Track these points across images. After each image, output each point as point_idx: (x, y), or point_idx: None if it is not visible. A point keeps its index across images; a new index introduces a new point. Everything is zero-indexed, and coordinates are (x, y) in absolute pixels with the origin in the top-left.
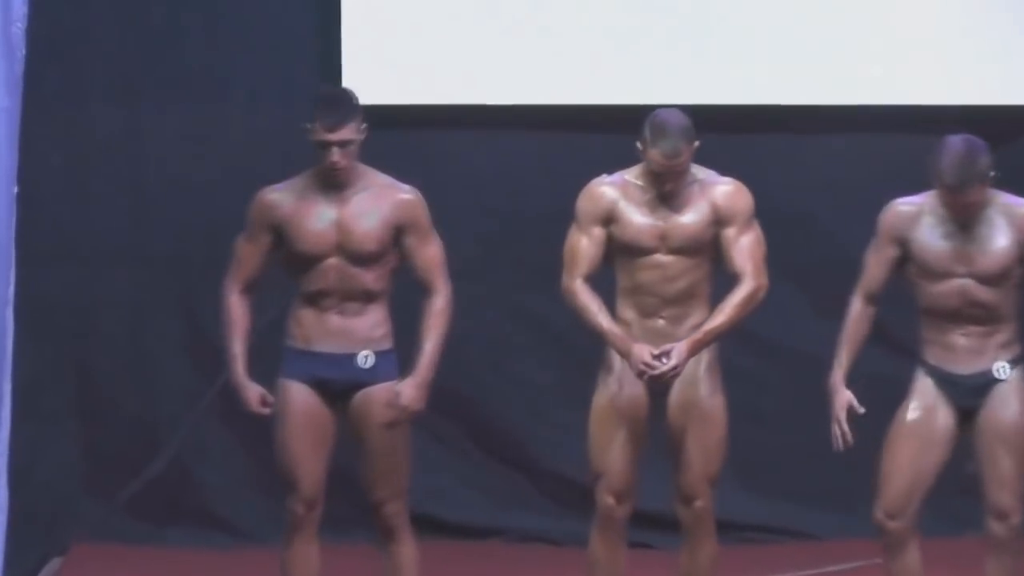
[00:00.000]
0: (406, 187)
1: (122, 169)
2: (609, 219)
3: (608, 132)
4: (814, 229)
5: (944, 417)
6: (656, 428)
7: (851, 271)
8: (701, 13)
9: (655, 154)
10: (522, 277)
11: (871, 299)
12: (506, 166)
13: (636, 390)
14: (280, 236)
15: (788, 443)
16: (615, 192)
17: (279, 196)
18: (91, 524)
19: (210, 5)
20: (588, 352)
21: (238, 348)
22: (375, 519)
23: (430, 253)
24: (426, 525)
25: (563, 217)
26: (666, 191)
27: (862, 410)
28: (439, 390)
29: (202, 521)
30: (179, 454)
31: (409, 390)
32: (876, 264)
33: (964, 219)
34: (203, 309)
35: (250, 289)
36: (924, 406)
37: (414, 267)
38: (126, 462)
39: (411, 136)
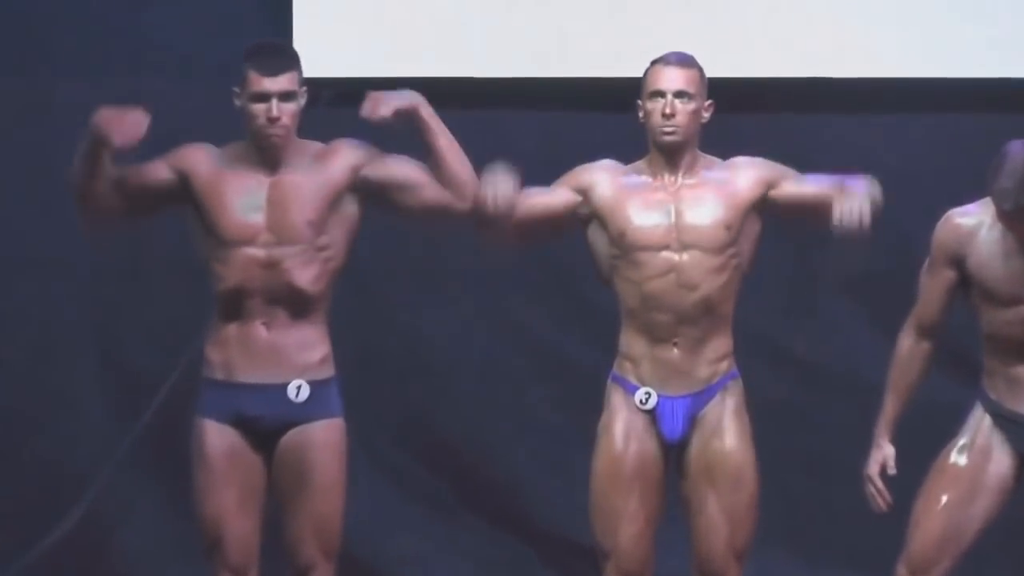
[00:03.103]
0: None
1: (25, 153)
2: (586, 197)
3: (626, 111)
4: (877, 230)
5: (999, 462)
6: (673, 480)
7: None
8: None
9: (655, 70)
10: (523, 290)
11: (925, 332)
12: (501, 150)
13: (646, 445)
14: (186, 193)
15: (846, 496)
16: (604, 176)
17: (207, 151)
18: None
19: None
20: (606, 384)
21: None
22: None
23: (405, 166)
24: None
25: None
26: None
27: (893, 471)
28: (418, 432)
29: None
30: (95, 510)
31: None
32: (931, 290)
33: None
34: (124, 331)
35: None
36: (976, 446)
37: (412, 192)
38: (30, 519)
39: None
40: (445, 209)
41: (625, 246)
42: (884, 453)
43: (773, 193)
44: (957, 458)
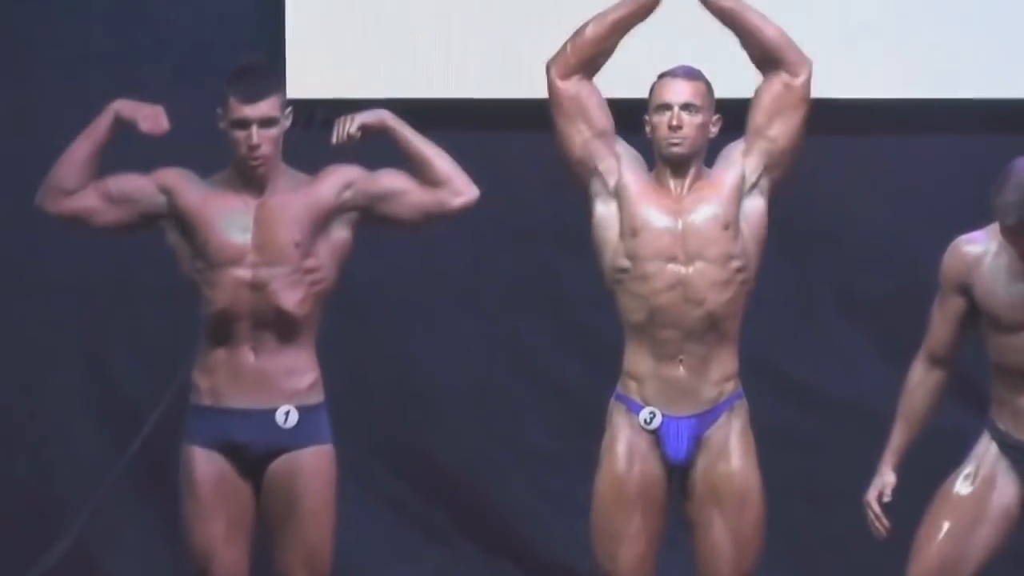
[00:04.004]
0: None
1: (8, 167)
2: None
3: (627, 130)
4: (882, 252)
5: (1003, 492)
6: (675, 501)
7: (930, 306)
8: None
9: (662, 83)
10: (522, 310)
11: (937, 362)
12: (501, 172)
13: (649, 466)
14: (170, 211)
15: (853, 523)
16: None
17: (189, 175)
18: None
19: None
20: (607, 408)
21: None
22: None
23: (392, 175)
24: None
25: (573, 233)
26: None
27: (888, 498)
28: (412, 458)
29: None
30: (82, 540)
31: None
32: (941, 319)
33: None
34: (112, 353)
35: None
36: (981, 475)
37: (401, 200)
38: (14, 549)
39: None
40: (439, 206)
41: (633, 248)
42: (884, 481)
43: (750, 147)
44: (961, 486)
